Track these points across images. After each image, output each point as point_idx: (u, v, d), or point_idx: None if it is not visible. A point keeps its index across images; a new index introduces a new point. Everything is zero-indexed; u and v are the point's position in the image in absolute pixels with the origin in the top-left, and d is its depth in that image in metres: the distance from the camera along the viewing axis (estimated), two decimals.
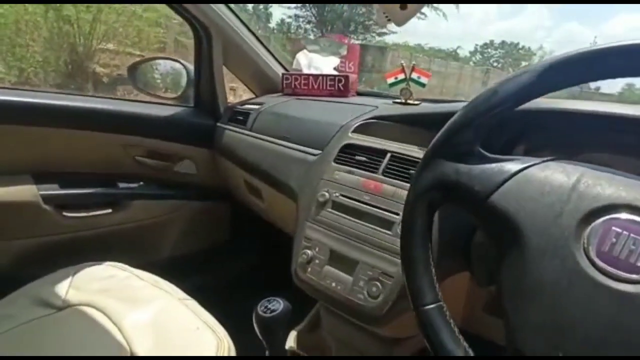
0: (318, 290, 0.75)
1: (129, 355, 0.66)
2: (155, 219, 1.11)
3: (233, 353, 0.70)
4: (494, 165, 0.40)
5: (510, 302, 0.34)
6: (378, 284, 0.67)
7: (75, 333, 0.71)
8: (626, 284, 0.30)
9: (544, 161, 0.39)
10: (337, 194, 0.77)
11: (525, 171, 0.38)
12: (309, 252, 0.76)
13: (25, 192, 0.89)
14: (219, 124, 1.18)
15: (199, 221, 1.22)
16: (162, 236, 1.14)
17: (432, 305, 0.39)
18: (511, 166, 0.39)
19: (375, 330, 0.74)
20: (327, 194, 0.78)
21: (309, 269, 0.75)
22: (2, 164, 0.88)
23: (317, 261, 0.75)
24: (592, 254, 0.32)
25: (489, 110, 0.39)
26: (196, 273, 1.19)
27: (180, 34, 7.18)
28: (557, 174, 0.37)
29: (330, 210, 0.77)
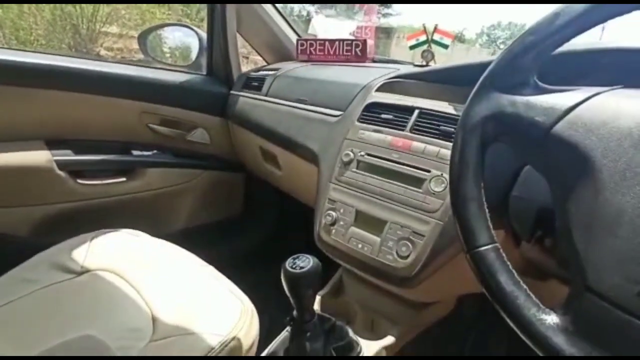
0: (343, 253, 0.72)
1: (150, 317, 0.64)
2: (169, 188, 1.08)
3: (256, 319, 0.68)
4: (555, 94, 0.36)
5: (583, 237, 0.31)
6: (408, 243, 0.64)
7: (95, 297, 0.69)
8: None
9: (612, 89, 0.36)
10: (362, 153, 0.74)
11: (593, 99, 0.35)
12: (333, 213, 0.73)
13: (39, 157, 0.87)
14: (232, 92, 1.14)
15: (213, 192, 1.19)
16: (176, 206, 1.12)
17: (488, 246, 0.36)
18: (576, 95, 0.36)
19: (403, 292, 0.72)
20: (351, 153, 0.75)
21: (333, 231, 0.73)
22: (16, 129, 0.85)
23: (341, 223, 0.72)
24: None
25: (552, 35, 0.36)
26: (211, 244, 1.17)
27: (184, 16, 7.07)
28: (630, 99, 0.34)
29: (355, 170, 0.74)
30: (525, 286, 0.34)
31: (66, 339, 0.55)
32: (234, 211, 1.29)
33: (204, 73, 1.17)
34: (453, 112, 0.68)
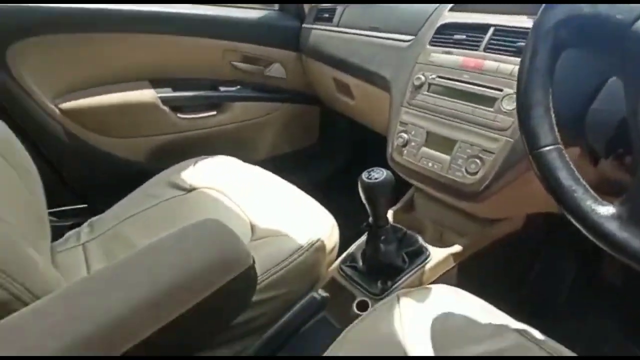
0: (414, 172, 0.78)
1: (249, 223, 0.77)
2: (252, 121, 1.20)
3: (336, 227, 0.78)
4: None
5: None
6: (477, 160, 0.68)
7: (203, 208, 0.84)
8: None
9: None
10: (433, 76, 0.76)
11: None
12: (404, 135, 0.78)
13: (147, 95, 1.01)
14: (304, 25, 1.18)
15: (290, 124, 1.29)
16: (258, 137, 1.24)
17: (551, 147, 0.39)
18: None
19: (472, 208, 0.76)
20: (422, 77, 0.77)
21: (405, 152, 0.78)
22: (125, 71, 1.00)
23: (412, 144, 0.77)
24: None
25: None
26: (290, 173, 1.29)
27: None
28: None
29: (426, 93, 0.76)
30: (584, 182, 0.38)
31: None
32: (310, 142, 1.39)
33: (276, 9, 1.21)
34: (531, 26, 0.66)
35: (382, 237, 0.66)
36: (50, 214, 0.77)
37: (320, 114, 1.35)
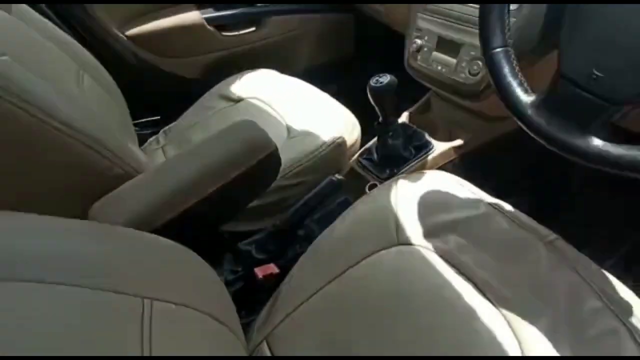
0: (426, 75, 0.86)
1: (285, 126, 0.93)
2: (290, 34, 1.29)
3: (358, 127, 0.91)
4: None
5: (567, 33, 0.41)
6: (479, 62, 0.75)
7: (249, 116, 0.98)
8: None
9: None
10: None
11: None
12: (418, 41, 0.85)
13: (194, 17, 1.14)
14: None
15: (326, 34, 1.36)
16: (297, 49, 1.34)
17: (499, 49, 0.48)
18: None
19: (475, 106, 0.85)
20: None
21: (419, 57, 0.86)
22: None
23: (425, 49, 0.84)
24: None
25: None
26: (328, 82, 1.40)
27: None
28: None
29: None
30: (522, 77, 0.47)
31: None
32: (346, 51, 1.45)
33: None
34: None
35: (390, 133, 0.79)
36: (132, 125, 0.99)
37: (354, 22, 1.39)
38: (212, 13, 1.17)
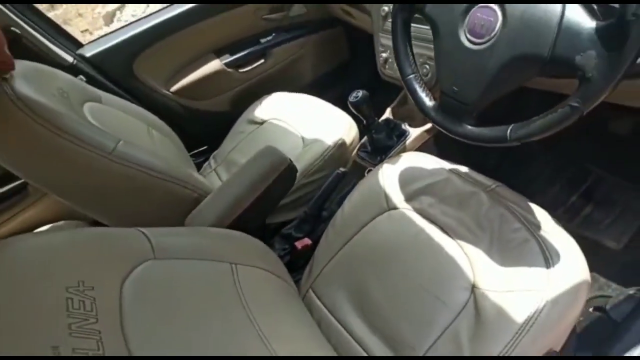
0: (396, 79, 1.12)
1: (300, 139, 1.23)
2: (292, 57, 1.58)
3: (354, 127, 1.20)
4: None
5: (438, 68, 0.67)
6: (427, 66, 1.00)
7: (271, 135, 1.31)
8: (476, 45, 0.60)
9: None
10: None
11: None
12: (384, 55, 1.11)
13: (215, 64, 1.46)
14: None
15: (323, 48, 1.64)
16: (301, 68, 1.63)
17: (411, 76, 0.74)
18: None
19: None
20: (386, 8, 1.06)
21: (387, 67, 1.12)
22: (198, 50, 1.44)
23: (390, 60, 1.10)
24: (467, 32, 0.61)
25: None
26: (332, 87, 1.68)
27: None
28: None
29: (389, 21, 1.06)
30: (427, 91, 0.73)
31: None
32: (343, 58, 1.73)
33: None
34: None
35: (372, 130, 1.06)
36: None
37: (344, 33, 1.65)
38: (228, 58, 1.48)
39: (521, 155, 1.30)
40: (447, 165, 0.92)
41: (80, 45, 1.30)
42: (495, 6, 0.60)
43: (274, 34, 1.54)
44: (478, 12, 0.60)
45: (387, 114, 1.20)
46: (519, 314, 0.66)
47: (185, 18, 1.36)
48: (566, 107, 0.54)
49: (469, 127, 0.66)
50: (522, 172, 1.24)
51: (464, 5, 0.63)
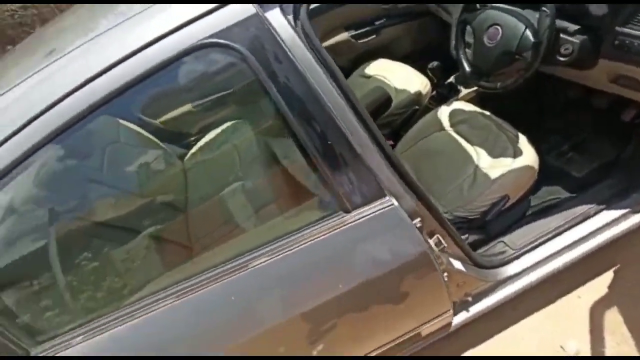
0: None
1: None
2: (395, 35, 2.32)
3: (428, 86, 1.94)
4: None
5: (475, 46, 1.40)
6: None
7: (379, 84, 2.10)
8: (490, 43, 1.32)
9: None
10: None
11: None
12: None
13: (344, 35, 2.24)
14: None
15: (416, 32, 2.35)
16: (400, 43, 2.36)
17: (461, 53, 1.46)
18: None
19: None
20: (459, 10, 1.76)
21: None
22: (332, 26, 2.24)
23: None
24: (486, 36, 1.34)
25: None
26: (418, 60, 2.39)
27: None
28: None
29: None
30: (469, 64, 1.45)
31: None
32: (430, 39, 2.42)
33: None
34: None
35: (439, 87, 1.80)
36: None
37: (433, 22, 2.33)
38: (352, 32, 2.26)
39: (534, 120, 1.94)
40: (477, 109, 1.65)
41: None
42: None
43: (384, 19, 2.27)
44: (491, 29, 1.31)
45: (451, 79, 1.92)
46: (495, 176, 1.40)
47: (330, 6, 2.15)
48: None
49: (485, 82, 1.39)
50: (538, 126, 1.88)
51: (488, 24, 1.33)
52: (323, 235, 0.90)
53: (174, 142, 1.59)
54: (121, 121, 1.37)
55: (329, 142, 0.87)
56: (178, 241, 1.23)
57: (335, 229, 0.91)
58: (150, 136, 1.47)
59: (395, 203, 0.92)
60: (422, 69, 1.99)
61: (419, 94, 1.89)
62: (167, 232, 1.22)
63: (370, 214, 0.91)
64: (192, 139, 1.55)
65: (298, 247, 0.90)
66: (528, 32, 1.20)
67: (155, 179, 1.44)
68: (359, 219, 0.91)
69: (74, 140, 0.93)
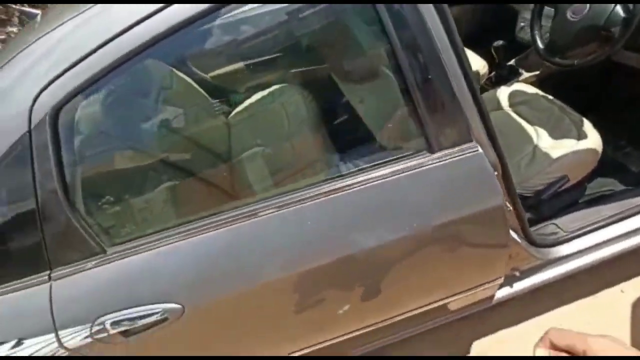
0: (526, 41, 1.80)
1: None
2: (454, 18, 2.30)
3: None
4: None
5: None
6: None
7: None
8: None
9: None
10: None
11: None
12: (522, 24, 1.79)
13: None
14: None
15: (480, 15, 2.32)
16: (459, 26, 2.34)
17: (536, 33, 1.44)
18: None
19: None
20: None
21: (522, 32, 1.80)
22: None
23: (525, 28, 1.78)
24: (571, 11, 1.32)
25: None
26: (479, 41, 2.36)
27: None
28: None
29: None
30: (543, 42, 1.43)
31: None
32: (491, 22, 2.39)
33: None
34: None
35: (501, 67, 1.78)
36: None
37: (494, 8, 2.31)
38: None
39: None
40: (540, 92, 1.63)
41: None
42: None
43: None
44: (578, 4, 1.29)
45: (512, 62, 1.90)
46: (556, 155, 1.38)
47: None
48: None
49: (560, 59, 1.37)
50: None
51: None
52: (403, 173, 0.90)
53: (221, 97, 1.60)
54: (175, 70, 1.38)
55: (430, 77, 0.86)
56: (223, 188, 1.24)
57: (417, 169, 0.91)
58: (200, 89, 1.48)
59: (481, 150, 0.91)
60: (479, 52, 1.97)
61: (476, 74, 1.88)
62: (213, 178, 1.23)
63: (455, 156, 0.91)
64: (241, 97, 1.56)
65: (375, 182, 0.91)
66: (619, 7, 1.18)
67: (200, 129, 1.45)
68: (443, 160, 0.91)
69: (134, 76, 0.95)
